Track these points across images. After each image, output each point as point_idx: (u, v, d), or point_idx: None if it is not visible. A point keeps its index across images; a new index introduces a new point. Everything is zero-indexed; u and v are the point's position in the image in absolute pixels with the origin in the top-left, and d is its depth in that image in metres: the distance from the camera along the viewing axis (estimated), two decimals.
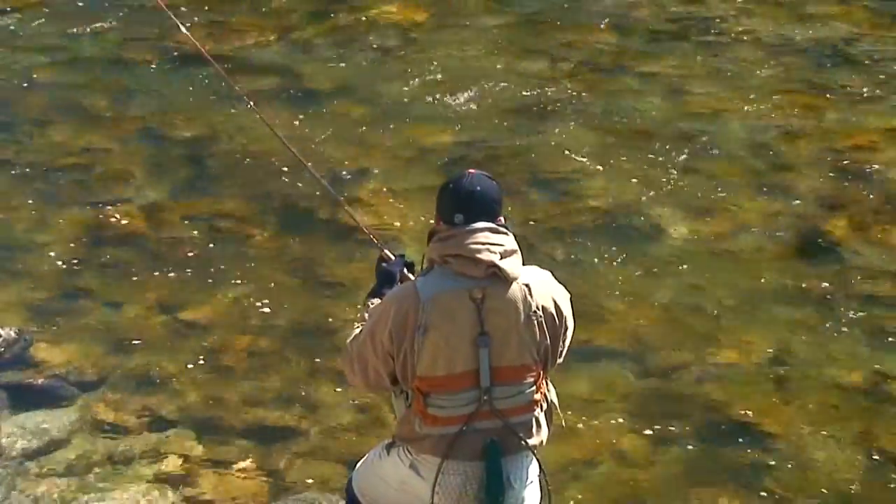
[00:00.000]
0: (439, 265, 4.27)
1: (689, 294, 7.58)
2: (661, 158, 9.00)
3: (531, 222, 8.22)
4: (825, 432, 6.52)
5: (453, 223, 4.26)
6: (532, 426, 4.35)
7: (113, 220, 8.27)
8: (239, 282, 7.63)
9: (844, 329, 7.30)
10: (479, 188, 4.29)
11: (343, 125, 9.49)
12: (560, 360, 4.47)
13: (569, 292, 4.43)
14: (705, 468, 6.27)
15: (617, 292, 7.59)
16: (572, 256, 7.91)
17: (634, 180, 8.73)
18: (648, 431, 6.49)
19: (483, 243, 4.20)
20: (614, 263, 7.87)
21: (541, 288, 4.30)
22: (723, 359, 7.04)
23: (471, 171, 4.40)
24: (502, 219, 4.33)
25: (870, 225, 8.25)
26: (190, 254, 7.94)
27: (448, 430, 4.27)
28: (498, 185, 4.35)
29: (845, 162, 8.95)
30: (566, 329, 4.39)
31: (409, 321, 4.22)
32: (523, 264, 4.32)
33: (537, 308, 4.25)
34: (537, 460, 4.42)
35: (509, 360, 4.25)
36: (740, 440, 6.45)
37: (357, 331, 4.45)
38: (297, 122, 9.48)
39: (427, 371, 4.23)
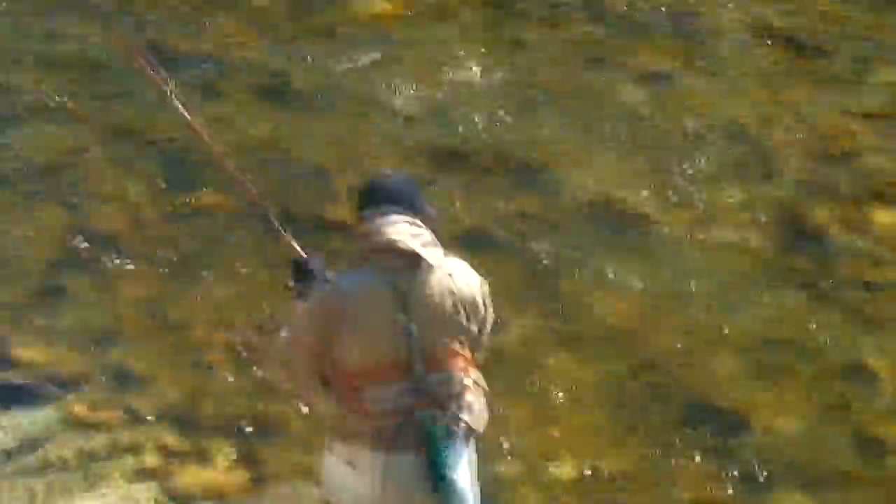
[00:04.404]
0: (361, 261, 4.34)
1: (672, 283, 7.58)
2: (641, 149, 8.99)
3: (513, 216, 8.20)
4: (807, 416, 6.54)
5: (364, 217, 4.35)
6: (466, 412, 4.37)
7: (91, 218, 8.22)
8: (219, 278, 7.60)
9: (827, 313, 7.31)
10: (389, 183, 4.46)
11: (324, 122, 9.47)
12: (483, 349, 4.55)
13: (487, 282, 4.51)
14: (687, 452, 6.27)
15: (600, 283, 7.57)
16: (555, 249, 7.88)
17: (616, 172, 8.71)
18: (630, 417, 6.49)
19: (401, 233, 4.28)
20: (597, 255, 7.84)
21: (463, 276, 4.37)
22: (706, 345, 7.04)
23: (388, 171, 4.58)
24: (423, 217, 4.41)
25: (852, 210, 8.25)
26: (169, 251, 7.90)
27: (383, 422, 4.28)
28: (414, 183, 4.49)
29: (826, 148, 8.95)
30: (486, 317, 4.47)
31: (334, 318, 4.25)
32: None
33: (461, 295, 4.32)
34: (473, 445, 4.46)
35: (438, 348, 4.28)
36: (722, 425, 6.45)
37: (282, 334, 4.50)
38: (280, 119, 9.47)
39: (357, 365, 4.25)
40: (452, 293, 4.29)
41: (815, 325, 7.19)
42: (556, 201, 8.39)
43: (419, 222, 4.35)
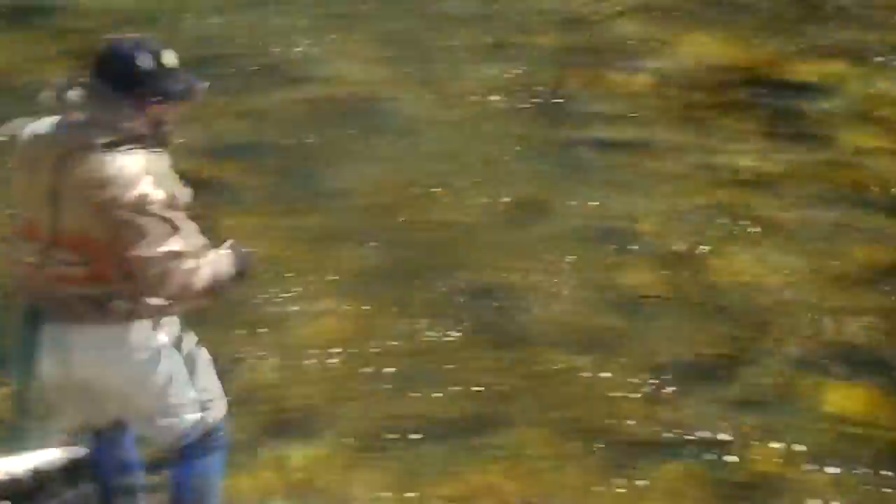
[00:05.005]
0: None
1: (427, 161, 7.64)
2: (394, 33, 9.01)
3: (266, 113, 8.15)
4: (567, 277, 6.66)
5: None
6: (95, 305, 4.16)
7: None
8: None
9: (582, 175, 7.48)
10: (110, 55, 4.18)
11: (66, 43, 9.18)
12: (155, 273, 4.10)
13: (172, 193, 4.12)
14: (453, 325, 6.28)
15: (358, 171, 7.57)
16: (310, 141, 7.87)
17: (366, 59, 8.73)
18: (395, 297, 6.52)
19: (72, 101, 4.11)
20: (352, 144, 7.84)
21: (116, 169, 4.07)
22: (466, 218, 7.13)
23: (131, 36, 4.29)
24: (143, 93, 4.15)
25: (599, 74, 8.47)
26: None
27: (18, 282, 4.23)
28: (140, 59, 4.16)
29: (572, 17, 9.14)
30: (140, 225, 4.07)
31: (15, 159, 4.22)
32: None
33: (106, 185, 4.05)
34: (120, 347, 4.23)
35: (71, 227, 4.11)
36: (486, 295, 6.52)
37: None
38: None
39: (18, 209, 4.23)
40: (96, 180, 4.03)
41: (570, 187, 7.36)
42: (306, 93, 8.36)
43: (111, 97, 4.09)
